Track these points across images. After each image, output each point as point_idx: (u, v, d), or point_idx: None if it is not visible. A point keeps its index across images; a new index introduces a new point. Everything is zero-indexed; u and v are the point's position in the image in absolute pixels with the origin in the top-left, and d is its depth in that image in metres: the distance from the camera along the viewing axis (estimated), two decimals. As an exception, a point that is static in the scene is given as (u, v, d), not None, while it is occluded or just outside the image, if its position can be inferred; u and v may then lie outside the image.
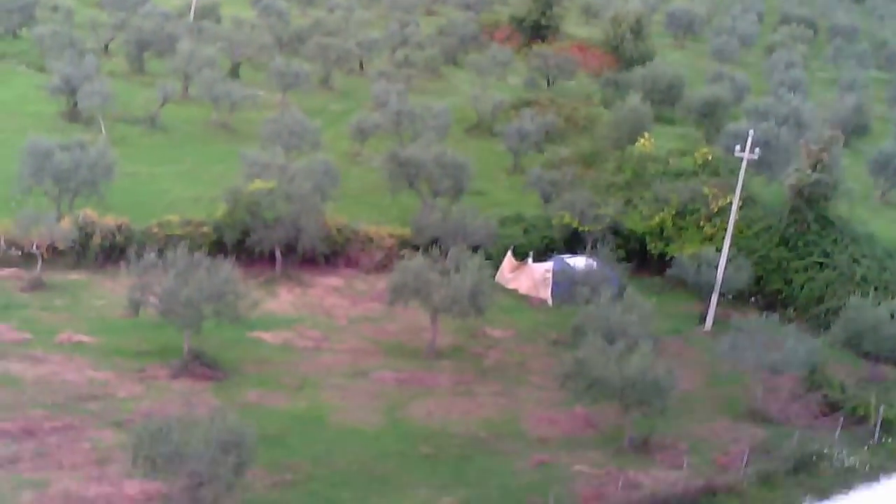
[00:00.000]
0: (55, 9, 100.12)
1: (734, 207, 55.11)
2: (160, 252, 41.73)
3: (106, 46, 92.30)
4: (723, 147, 69.08)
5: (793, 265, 58.20)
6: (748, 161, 54.70)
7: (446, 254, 47.64)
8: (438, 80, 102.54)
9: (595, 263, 54.00)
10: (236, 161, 60.32)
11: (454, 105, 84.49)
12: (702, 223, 60.95)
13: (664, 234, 61.45)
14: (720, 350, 46.56)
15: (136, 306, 40.37)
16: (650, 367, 39.60)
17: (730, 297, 56.90)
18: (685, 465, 38.21)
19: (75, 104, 70.44)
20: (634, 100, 76.90)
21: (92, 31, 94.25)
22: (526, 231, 61.01)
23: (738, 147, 55.04)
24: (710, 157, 66.35)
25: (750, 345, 45.19)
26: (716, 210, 60.80)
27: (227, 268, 40.71)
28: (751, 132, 56.11)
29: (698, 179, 63.47)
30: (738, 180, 55.26)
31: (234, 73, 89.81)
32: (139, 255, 41.30)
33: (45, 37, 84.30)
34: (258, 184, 52.33)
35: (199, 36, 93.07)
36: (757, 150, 54.62)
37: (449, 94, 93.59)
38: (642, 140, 68.52)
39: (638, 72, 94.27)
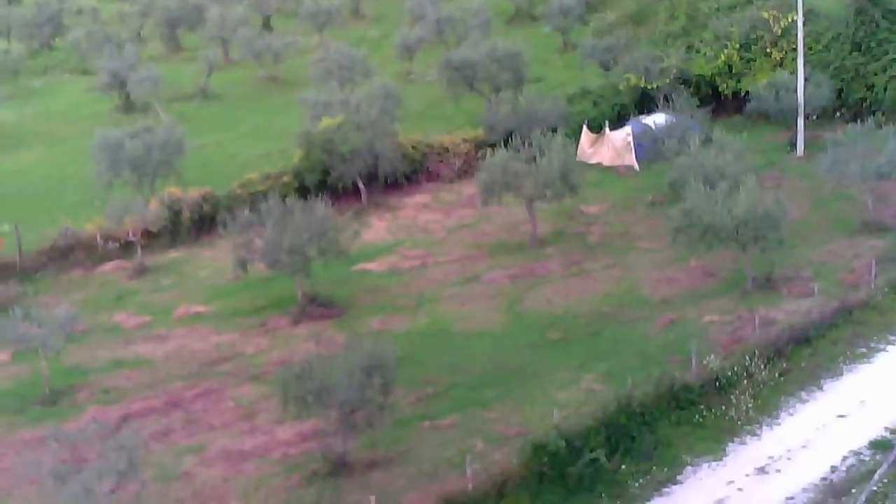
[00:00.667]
0: (80, 12, 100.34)
1: (800, 22, 53.29)
2: (252, 209, 41.78)
3: (139, 34, 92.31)
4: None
5: (871, 68, 56.48)
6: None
7: (524, 143, 46.91)
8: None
9: (673, 118, 52.81)
10: (293, 111, 60.27)
11: (489, 1, 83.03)
12: (768, 50, 59.28)
13: (733, 71, 59.94)
14: (822, 168, 45.51)
15: (243, 264, 40.50)
16: (759, 201, 38.75)
17: (814, 117, 55.44)
18: (815, 291, 37.42)
19: (128, 96, 70.71)
20: (666, -56, 74.54)
21: (121, 23, 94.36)
22: (595, 103, 59.99)
23: (791, -44, 53.11)
24: (760, -20, 64.09)
25: (851, 157, 44.00)
26: (780, 33, 59.01)
27: (321, 206, 40.59)
28: (799, -66, 53.79)
29: (754, 6, 61.47)
30: (796, -6, 53.34)
31: (267, 26, 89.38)
32: (232, 217, 41.44)
33: (80, 40, 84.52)
34: (326, 121, 52.03)
35: (224, 0, 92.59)
36: (811, -46, 52.59)
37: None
38: (689, -19, 66.58)
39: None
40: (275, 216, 40.20)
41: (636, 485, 28.40)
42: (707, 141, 47.26)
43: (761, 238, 38.75)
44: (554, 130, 49.09)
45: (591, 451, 29.00)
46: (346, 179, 51.44)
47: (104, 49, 76.99)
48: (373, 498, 26.19)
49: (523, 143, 46.50)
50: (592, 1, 79.33)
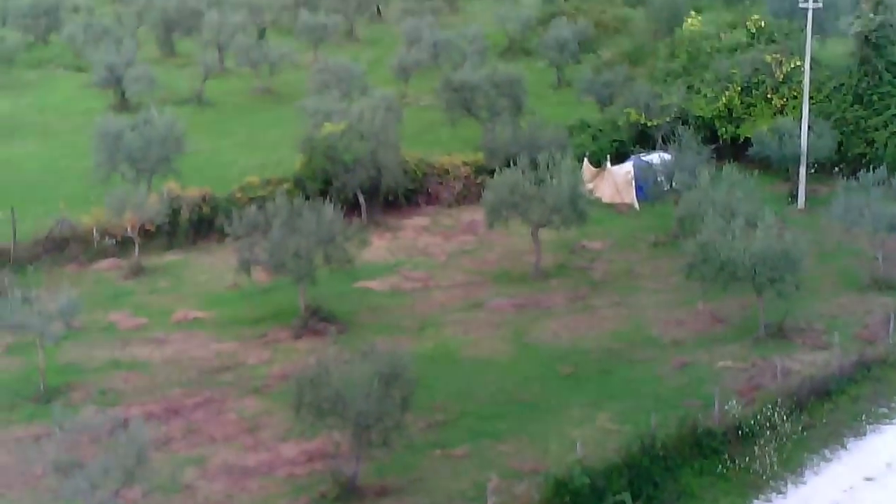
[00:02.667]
0: (76, 9, 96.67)
1: (806, 66, 51.22)
2: (259, 207, 38.59)
3: (133, 36, 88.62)
4: (771, 12, 64.79)
5: (871, 123, 54.04)
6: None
7: (531, 166, 43.92)
8: (457, 14, 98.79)
9: (675, 155, 49.79)
10: (288, 124, 57.66)
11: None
12: (769, 95, 56.88)
13: (733, 115, 57.41)
14: (833, 214, 43.03)
15: (247, 266, 37.31)
16: (777, 239, 36.27)
17: (813, 170, 52.65)
18: (836, 343, 34.92)
19: (123, 94, 67.37)
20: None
21: (118, 24, 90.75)
22: (594, 137, 57.38)
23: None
24: (762, 24, 61.54)
25: (864, 204, 41.57)
26: (781, 78, 56.73)
27: (330, 209, 37.76)
28: (808, -23, 51.32)
29: (756, 49, 59.20)
30: (805, 37, 51.10)
31: (262, 37, 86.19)
32: (239, 216, 38.19)
33: (77, 33, 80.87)
34: (329, 127, 49.11)
35: (221, 8, 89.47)
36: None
37: (471, 24, 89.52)
38: (690, 20, 64.20)
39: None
40: (282, 217, 37.12)
41: (663, 534, 25.73)
42: (715, 179, 44.61)
43: (778, 280, 36.04)
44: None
45: (615, 493, 26.30)
46: (348, 190, 48.30)
47: (101, 43, 73.54)
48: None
49: (529, 166, 43.62)
50: (586, 40, 76.92)
